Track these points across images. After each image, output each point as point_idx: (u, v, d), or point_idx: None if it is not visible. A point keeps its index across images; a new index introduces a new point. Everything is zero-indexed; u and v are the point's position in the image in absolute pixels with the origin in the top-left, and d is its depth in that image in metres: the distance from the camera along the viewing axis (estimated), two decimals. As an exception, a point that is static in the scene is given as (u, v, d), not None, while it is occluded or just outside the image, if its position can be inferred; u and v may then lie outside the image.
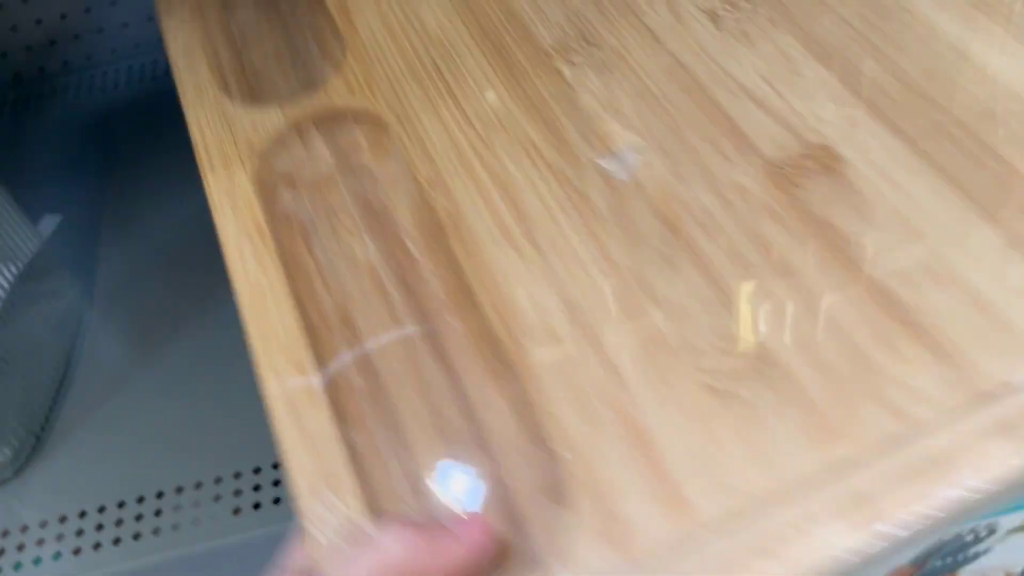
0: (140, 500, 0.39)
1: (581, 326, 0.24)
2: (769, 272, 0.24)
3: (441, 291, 0.27)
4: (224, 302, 0.42)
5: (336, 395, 0.24)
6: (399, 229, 0.29)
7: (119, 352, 0.46)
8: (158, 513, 0.39)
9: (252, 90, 0.33)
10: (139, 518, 0.39)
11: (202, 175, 0.29)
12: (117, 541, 0.38)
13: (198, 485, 0.39)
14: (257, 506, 0.38)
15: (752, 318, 0.23)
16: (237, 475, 0.39)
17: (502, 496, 0.21)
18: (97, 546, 0.38)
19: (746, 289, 0.23)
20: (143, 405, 0.43)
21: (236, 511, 0.38)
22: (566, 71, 0.30)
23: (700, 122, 0.27)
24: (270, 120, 0.30)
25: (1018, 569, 0.29)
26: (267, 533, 0.37)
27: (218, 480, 0.39)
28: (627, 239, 0.25)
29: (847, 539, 0.18)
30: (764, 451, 0.20)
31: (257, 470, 0.39)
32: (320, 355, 0.24)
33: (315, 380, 0.24)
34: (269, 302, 0.25)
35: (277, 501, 0.38)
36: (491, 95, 0.30)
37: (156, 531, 0.38)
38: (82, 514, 0.39)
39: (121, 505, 0.39)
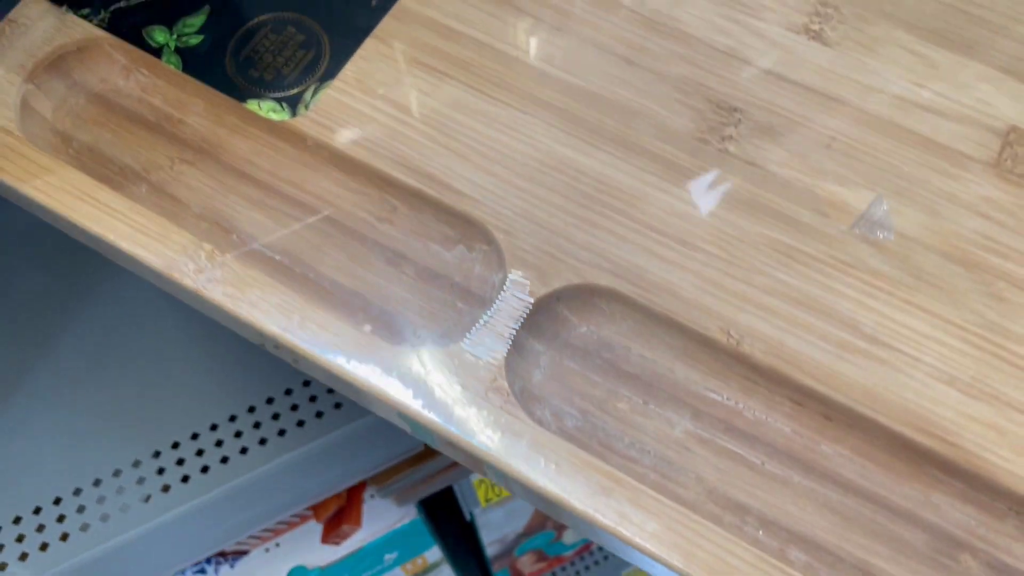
0: (57, 502, 0.43)
1: (981, 396, 0.25)
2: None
3: (794, 426, 0.27)
4: (100, 285, 0.48)
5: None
6: (691, 384, 0.28)
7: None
8: (81, 510, 0.43)
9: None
10: (61, 519, 0.43)
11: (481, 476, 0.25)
12: (44, 547, 0.42)
13: (117, 472, 0.44)
14: (166, 488, 0.43)
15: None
16: (136, 464, 0.44)
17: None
18: (23, 556, 0.42)
19: (1082, 292, 0.27)
20: (40, 404, 0.45)
21: (147, 499, 0.43)
22: (732, 148, 0.29)
23: (902, 151, 0.29)
24: (489, 345, 0.27)
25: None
26: (178, 513, 0.43)
27: (136, 463, 0.44)
28: (941, 294, 0.27)
29: None
30: None
31: (157, 454, 0.44)
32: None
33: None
34: (680, 531, 0.24)
35: (185, 479, 0.43)
36: (688, 208, 0.28)
37: (84, 527, 0.42)
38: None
39: (37, 511, 0.43)
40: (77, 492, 0.44)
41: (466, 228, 0.30)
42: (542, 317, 0.29)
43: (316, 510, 0.50)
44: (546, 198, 0.30)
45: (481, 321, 0.28)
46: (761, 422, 0.27)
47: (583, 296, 0.29)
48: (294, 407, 0.45)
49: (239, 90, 0.32)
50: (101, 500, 0.44)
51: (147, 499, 0.44)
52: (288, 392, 0.45)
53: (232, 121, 0.32)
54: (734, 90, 0.31)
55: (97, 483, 0.44)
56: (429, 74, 0.32)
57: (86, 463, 0.44)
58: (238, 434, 0.45)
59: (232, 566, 0.52)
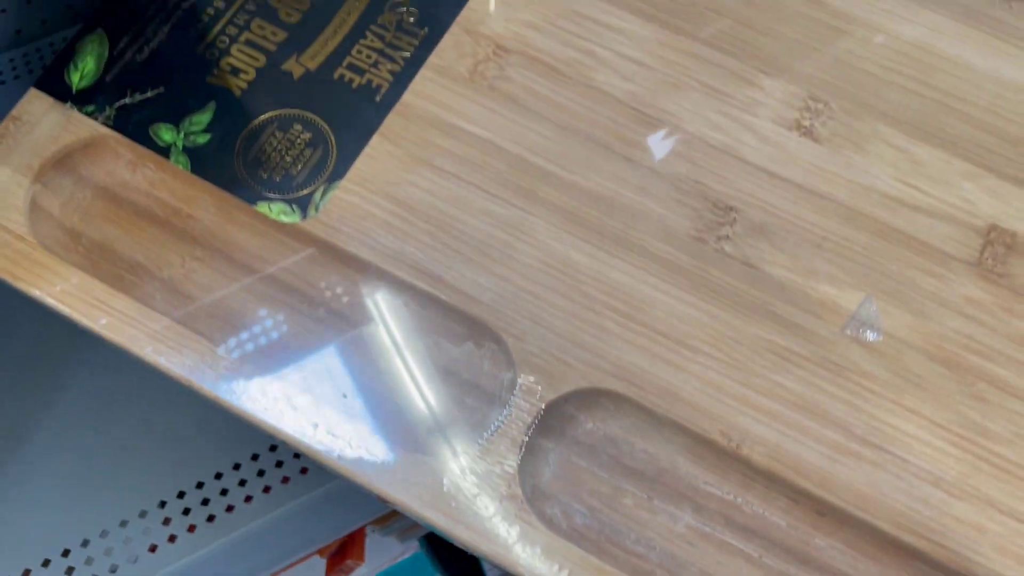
0: (65, 554, 0.44)
1: (964, 496, 0.27)
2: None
3: (789, 520, 0.29)
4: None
5: None
6: (692, 479, 0.29)
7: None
8: (89, 561, 0.44)
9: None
10: (70, 571, 0.43)
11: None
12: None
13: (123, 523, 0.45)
14: (173, 538, 0.44)
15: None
16: (142, 514, 0.45)
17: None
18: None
19: (1057, 393, 0.28)
20: (46, 456, 0.46)
21: (154, 549, 0.44)
22: (728, 248, 0.31)
23: (890, 250, 0.31)
24: (503, 452, 0.28)
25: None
26: (185, 562, 0.44)
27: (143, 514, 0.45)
28: (928, 395, 0.29)
29: None
30: None
31: (162, 504, 0.45)
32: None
33: None
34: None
35: (191, 529, 0.44)
36: (688, 310, 0.30)
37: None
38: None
39: (46, 564, 0.44)
40: (85, 543, 0.44)
41: (474, 326, 0.31)
42: (551, 417, 0.30)
43: (319, 547, 0.52)
44: (552, 300, 0.31)
45: (493, 427, 0.29)
46: (759, 516, 0.29)
47: (589, 396, 0.30)
48: (297, 455, 0.46)
49: (249, 191, 0.32)
50: (109, 551, 0.44)
51: (154, 549, 0.45)
52: (290, 443, 0.47)
53: (242, 218, 0.33)
54: (729, 188, 0.32)
55: (104, 534, 0.45)
56: (434, 173, 0.33)
57: (93, 514, 0.45)
58: (242, 483, 0.46)
59: (237, 605, 0.54)
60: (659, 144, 0.32)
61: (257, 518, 0.45)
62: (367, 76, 0.34)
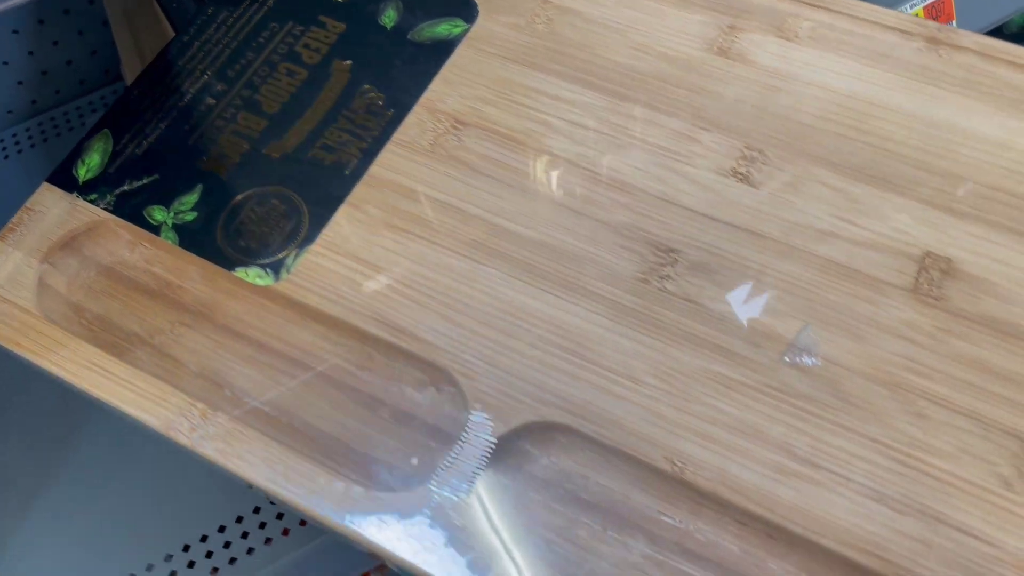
0: None
1: (908, 511, 0.28)
2: (994, 382, 0.29)
3: (741, 544, 0.29)
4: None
5: None
6: (645, 509, 0.30)
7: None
8: None
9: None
10: None
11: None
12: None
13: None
14: None
15: None
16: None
17: None
18: None
19: (1002, 413, 0.29)
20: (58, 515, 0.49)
21: None
22: (670, 286, 0.33)
23: (827, 282, 0.32)
24: (455, 485, 0.29)
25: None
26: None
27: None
28: (867, 415, 0.30)
29: None
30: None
31: (169, 557, 0.47)
32: None
33: None
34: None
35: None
36: (633, 345, 0.32)
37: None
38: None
39: None
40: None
41: (434, 372, 0.33)
42: (507, 454, 0.32)
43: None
44: (504, 342, 0.33)
45: (447, 461, 0.31)
46: (711, 543, 0.30)
47: (542, 431, 0.32)
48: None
49: (229, 259, 0.36)
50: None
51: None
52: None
53: (225, 286, 0.36)
54: (670, 232, 0.34)
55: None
56: (396, 234, 0.35)
57: (102, 568, 0.47)
58: (244, 535, 0.47)
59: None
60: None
61: (265, 566, 0.47)
62: (338, 153, 0.38)
